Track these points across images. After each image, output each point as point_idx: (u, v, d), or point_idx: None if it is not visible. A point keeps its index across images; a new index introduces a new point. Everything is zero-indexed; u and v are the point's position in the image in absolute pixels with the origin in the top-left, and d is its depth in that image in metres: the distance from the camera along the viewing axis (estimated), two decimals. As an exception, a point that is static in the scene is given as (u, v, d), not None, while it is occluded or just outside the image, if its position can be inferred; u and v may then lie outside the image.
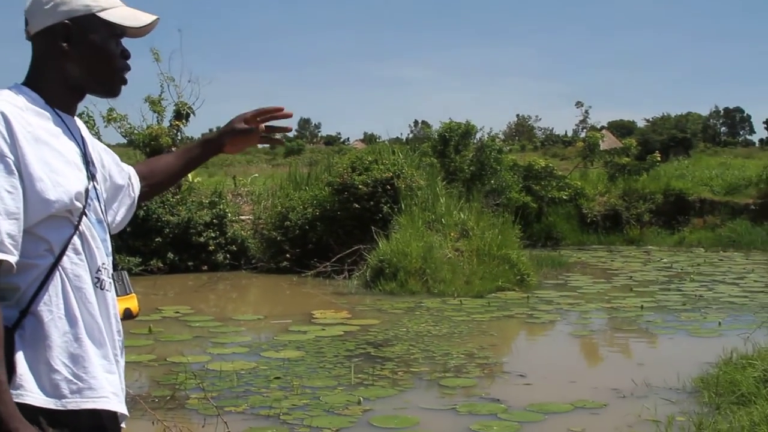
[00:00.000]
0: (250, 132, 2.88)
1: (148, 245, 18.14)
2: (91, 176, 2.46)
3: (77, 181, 2.35)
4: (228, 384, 8.74)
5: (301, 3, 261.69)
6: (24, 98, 2.35)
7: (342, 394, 8.36)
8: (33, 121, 2.30)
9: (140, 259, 17.80)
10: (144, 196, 2.90)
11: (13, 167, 2.21)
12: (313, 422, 7.43)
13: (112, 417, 2.40)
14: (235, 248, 19.27)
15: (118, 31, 2.48)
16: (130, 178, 2.79)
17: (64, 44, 2.41)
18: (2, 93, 2.34)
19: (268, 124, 2.92)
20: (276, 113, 2.91)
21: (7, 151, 2.21)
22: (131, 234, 17.43)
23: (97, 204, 2.45)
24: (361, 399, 8.10)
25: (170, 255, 18.41)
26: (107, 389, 2.37)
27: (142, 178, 2.88)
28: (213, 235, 18.92)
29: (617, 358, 11.10)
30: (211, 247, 18.83)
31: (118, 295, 2.53)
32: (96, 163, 2.55)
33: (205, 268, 18.80)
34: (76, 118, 2.55)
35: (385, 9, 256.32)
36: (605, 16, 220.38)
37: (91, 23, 2.42)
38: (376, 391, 8.53)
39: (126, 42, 2.55)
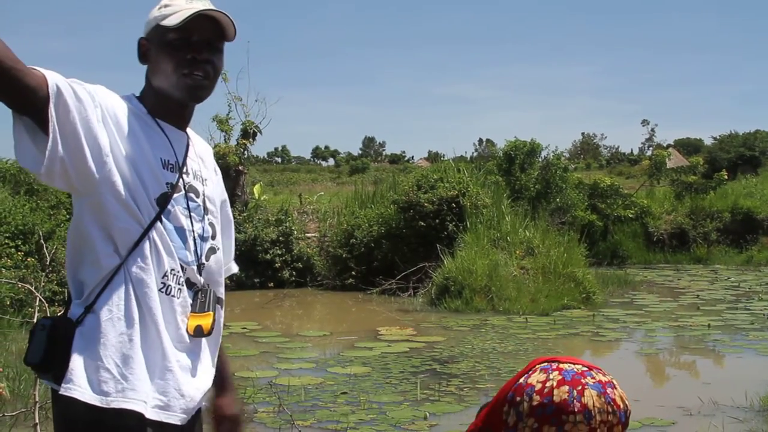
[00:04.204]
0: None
1: (216, 262, 18.26)
2: (182, 185, 2.55)
3: (150, 183, 2.46)
4: (296, 398, 8.85)
5: (367, 22, 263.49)
6: (130, 103, 2.50)
7: (408, 410, 8.43)
8: (131, 120, 2.44)
9: (208, 276, 17.95)
10: None
11: (102, 121, 2.35)
12: (380, 436, 7.52)
13: (157, 424, 2.40)
14: (300, 265, 19.46)
15: (184, 34, 2.50)
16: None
17: (143, 60, 2.56)
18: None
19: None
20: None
21: (104, 115, 2.35)
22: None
23: (179, 211, 2.52)
24: (428, 414, 8.16)
25: (237, 271, 18.61)
26: (150, 394, 2.39)
27: None
28: (279, 252, 19.13)
29: (684, 377, 11.02)
30: (278, 264, 19.04)
31: (195, 312, 2.53)
32: (201, 182, 2.65)
33: (272, 284, 19.01)
34: (192, 133, 2.69)
35: (451, 28, 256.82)
36: (670, 34, 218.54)
37: (158, 34, 2.52)
38: (442, 406, 8.59)
39: None
